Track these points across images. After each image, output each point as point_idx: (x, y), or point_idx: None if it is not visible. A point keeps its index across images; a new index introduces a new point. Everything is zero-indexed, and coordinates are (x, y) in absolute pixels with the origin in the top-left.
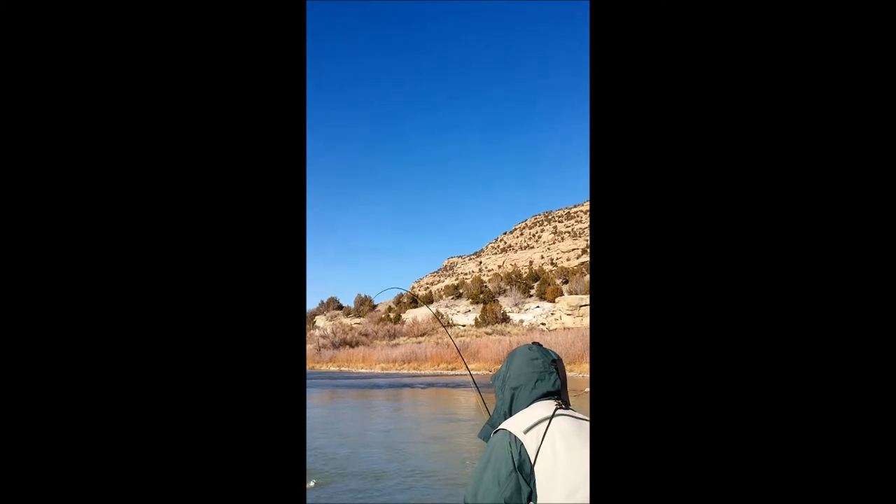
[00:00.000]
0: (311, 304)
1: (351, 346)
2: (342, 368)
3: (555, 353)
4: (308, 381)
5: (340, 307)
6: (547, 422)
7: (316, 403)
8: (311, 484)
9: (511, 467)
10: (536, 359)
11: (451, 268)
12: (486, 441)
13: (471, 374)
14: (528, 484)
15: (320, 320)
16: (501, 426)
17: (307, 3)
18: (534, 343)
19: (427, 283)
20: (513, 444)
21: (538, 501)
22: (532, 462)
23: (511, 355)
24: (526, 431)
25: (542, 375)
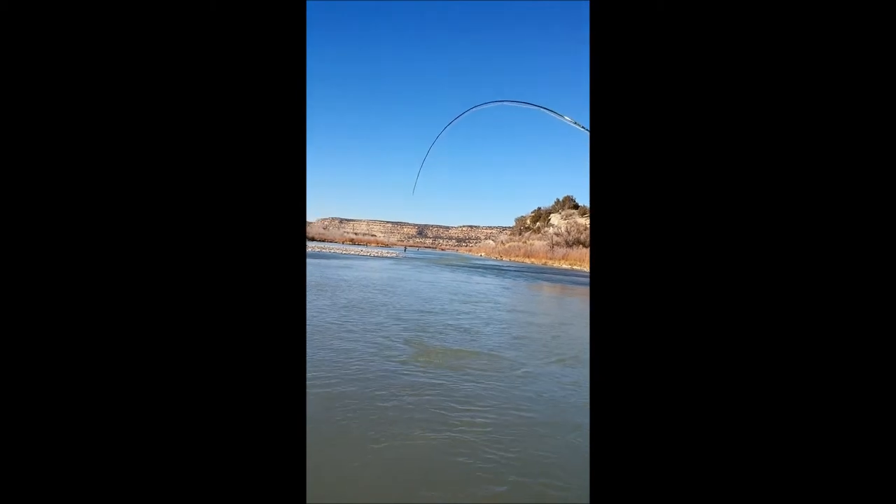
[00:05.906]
0: (547, 202)
1: (584, 245)
2: (574, 266)
3: None
4: (538, 275)
5: (576, 206)
6: None
7: (546, 293)
8: None
9: None
10: None
11: None
12: None
13: None
14: None
15: (555, 218)
16: None
17: (307, 2)
18: None
19: None
20: None
21: None
22: None
23: None
24: None
25: None
